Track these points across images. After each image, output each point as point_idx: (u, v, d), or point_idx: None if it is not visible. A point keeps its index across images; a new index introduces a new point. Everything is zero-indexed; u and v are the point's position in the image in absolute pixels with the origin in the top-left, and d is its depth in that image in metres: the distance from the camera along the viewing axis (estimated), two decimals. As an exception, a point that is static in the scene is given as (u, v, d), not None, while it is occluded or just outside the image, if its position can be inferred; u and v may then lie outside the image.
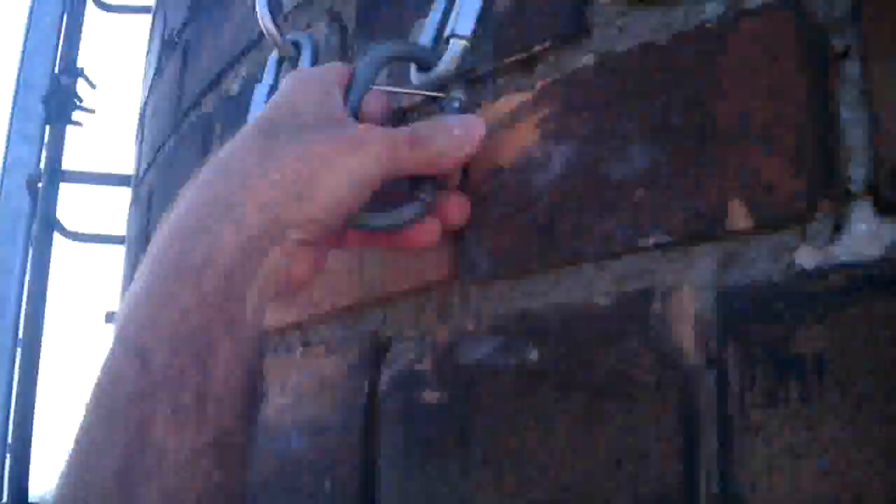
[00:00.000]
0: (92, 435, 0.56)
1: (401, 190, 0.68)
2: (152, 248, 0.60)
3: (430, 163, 0.64)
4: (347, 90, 0.66)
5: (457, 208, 0.69)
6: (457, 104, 0.70)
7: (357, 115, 0.66)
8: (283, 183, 0.59)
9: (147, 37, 1.99)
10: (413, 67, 0.73)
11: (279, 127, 0.62)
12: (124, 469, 0.53)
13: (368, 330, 0.80)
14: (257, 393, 0.60)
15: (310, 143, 0.60)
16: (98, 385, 0.57)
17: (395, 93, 0.73)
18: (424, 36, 0.74)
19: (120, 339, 0.58)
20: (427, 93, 0.72)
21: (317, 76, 0.66)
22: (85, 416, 0.56)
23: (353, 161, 0.60)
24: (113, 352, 0.57)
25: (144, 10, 2.84)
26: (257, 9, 0.96)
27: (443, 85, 0.72)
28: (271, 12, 0.98)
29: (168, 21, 1.66)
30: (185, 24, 1.50)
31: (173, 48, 1.56)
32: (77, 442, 0.56)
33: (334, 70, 0.67)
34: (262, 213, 0.58)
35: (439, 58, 0.71)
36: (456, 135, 0.64)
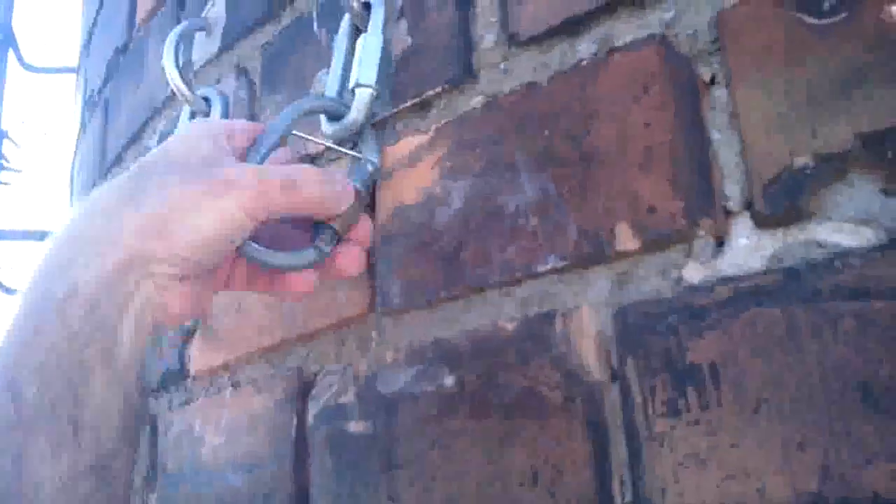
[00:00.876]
0: None
1: (298, 233, 0.65)
2: (24, 286, 0.56)
3: (305, 207, 0.60)
4: (256, 141, 0.62)
5: (352, 260, 0.65)
6: (369, 167, 0.67)
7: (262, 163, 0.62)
8: (142, 222, 0.55)
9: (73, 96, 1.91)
10: (323, 118, 0.70)
11: (153, 169, 0.58)
12: (2, 498, 0.50)
13: (293, 367, 0.76)
14: (138, 416, 0.57)
15: (175, 183, 0.56)
16: None
17: (311, 142, 0.69)
18: (329, 88, 0.71)
19: None
20: (342, 149, 0.68)
21: (206, 125, 0.62)
22: None
23: (219, 203, 0.56)
24: None
25: (70, 70, 2.74)
26: (165, 68, 0.92)
27: (354, 133, 0.68)
28: (180, 70, 0.94)
29: (89, 80, 1.60)
30: (104, 83, 1.44)
31: (95, 106, 1.49)
32: None
33: (229, 122, 0.63)
34: (124, 247, 0.54)
35: (347, 107, 0.68)
36: (336, 190, 0.61)
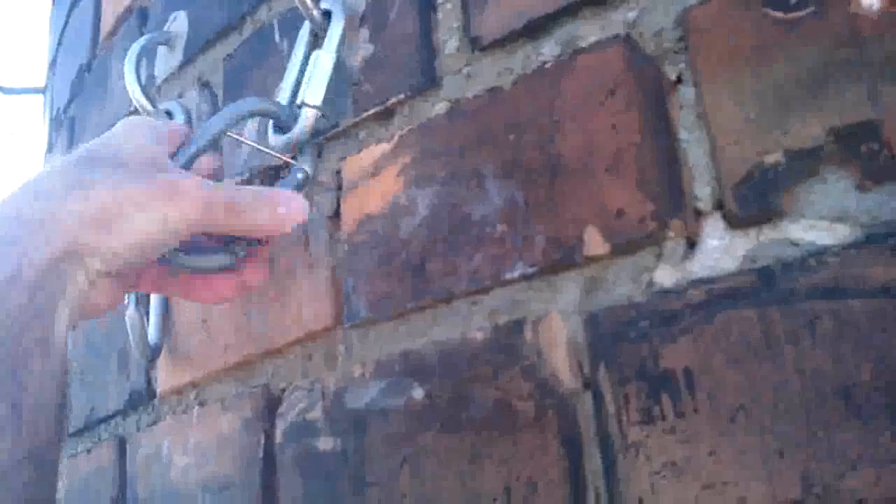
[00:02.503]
0: None
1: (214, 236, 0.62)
2: None
3: (245, 230, 0.58)
4: (188, 141, 0.60)
5: (256, 273, 0.62)
6: (300, 175, 0.64)
7: (189, 165, 0.59)
8: (89, 212, 0.52)
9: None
10: (271, 127, 0.67)
11: (98, 160, 0.54)
12: None
13: (260, 384, 0.73)
14: (67, 410, 0.54)
15: (125, 181, 0.53)
16: None
17: (252, 148, 0.66)
18: (281, 96, 0.68)
19: None
20: (278, 154, 0.66)
21: (147, 124, 0.59)
22: None
23: (166, 208, 0.53)
24: None
25: (42, 91, 2.69)
26: (126, 83, 0.89)
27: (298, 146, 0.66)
28: (142, 85, 0.91)
29: (55, 99, 1.56)
30: (70, 102, 1.40)
31: (61, 125, 1.46)
32: None
33: (168, 125, 0.61)
34: (66, 236, 0.51)
35: (295, 120, 0.65)
36: (280, 213, 0.58)
